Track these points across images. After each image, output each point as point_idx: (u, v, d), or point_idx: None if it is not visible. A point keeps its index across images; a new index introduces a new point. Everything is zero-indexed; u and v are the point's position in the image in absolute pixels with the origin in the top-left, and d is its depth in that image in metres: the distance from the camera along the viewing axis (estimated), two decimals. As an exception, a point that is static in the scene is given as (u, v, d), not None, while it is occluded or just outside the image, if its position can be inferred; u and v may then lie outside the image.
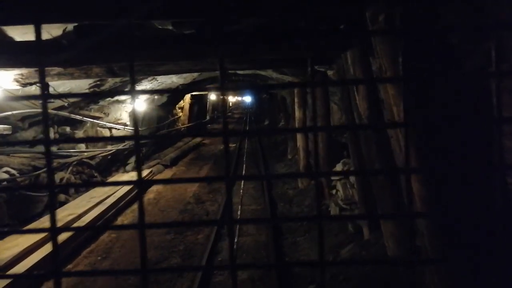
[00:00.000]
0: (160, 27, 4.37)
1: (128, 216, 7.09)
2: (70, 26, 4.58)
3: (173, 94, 12.71)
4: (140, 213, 0.80)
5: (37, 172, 6.73)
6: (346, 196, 5.77)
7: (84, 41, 4.40)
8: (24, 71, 4.82)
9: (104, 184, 7.18)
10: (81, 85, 6.58)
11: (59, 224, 5.74)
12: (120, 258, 5.34)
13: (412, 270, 3.33)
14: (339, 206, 6.11)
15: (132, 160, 10.86)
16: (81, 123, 8.61)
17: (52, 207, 0.80)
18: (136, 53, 4.41)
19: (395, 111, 2.66)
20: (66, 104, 6.99)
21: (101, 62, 4.53)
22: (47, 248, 5.10)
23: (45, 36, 4.64)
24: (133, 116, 1.06)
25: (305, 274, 4.76)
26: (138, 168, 0.83)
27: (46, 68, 4.87)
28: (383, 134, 3.77)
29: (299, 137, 9.38)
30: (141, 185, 0.85)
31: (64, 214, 6.23)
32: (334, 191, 6.69)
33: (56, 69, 4.83)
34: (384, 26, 2.43)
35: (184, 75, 10.01)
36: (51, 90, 5.98)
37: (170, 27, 4.36)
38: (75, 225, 5.90)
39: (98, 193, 7.43)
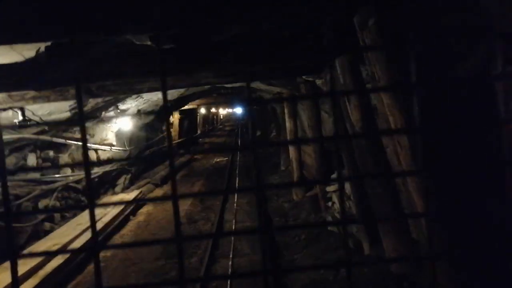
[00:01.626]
0: (138, 43, 4.16)
1: (116, 242, 6.75)
2: (43, 47, 4.35)
3: (161, 112, 12.46)
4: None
5: (19, 201, 6.40)
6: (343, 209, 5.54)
7: (59, 62, 4.17)
8: (-4, 96, 4.56)
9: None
10: (61, 107, 6.31)
11: (43, 256, 5.40)
12: (108, 289, 5.02)
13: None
14: (336, 219, 5.88)
15: (121, 181, 10.54)
16: (65, 146, 8.30)
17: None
18: (114, 71, 4.19)
19: (392, 121, 2.45)
20: (46, 128, 6.70)
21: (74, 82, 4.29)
22: (31, 283, 4.77)
23: (17, 58, 4.40)
24: (83, 147, 0.88)
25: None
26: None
27: (20, 92, 4.61)
28: (378, 145, 3.57)
29: (291, 148, 9.17)
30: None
31: (48, 245, 5.90)
32: (330, 203, 6.46)
33: (31, 93, 4.58)
34: (376, 32, 2.24)
35: (171, 91, 9.79)
36: (29, 114, 5.70)
37: (149, 43, 4.15)
38: (60, 256, 5.57)
39: (84, 218, 7.10)
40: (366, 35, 2.54)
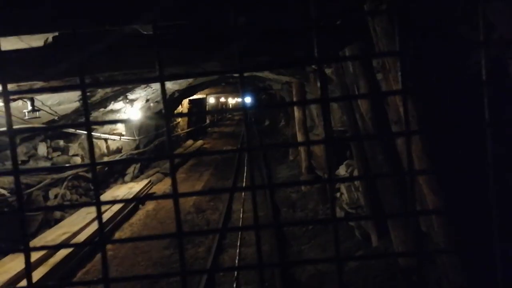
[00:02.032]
0: (145, 32, 4.12)
1: (126, 231, 6.83)
2: (51, 37, 4.34)
3: (170, 101, 12.46)
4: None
5: (30, 190, 6.49)
6: (351, 200, 5.50)
7: (66, 53, 4.16)
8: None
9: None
10: (70, 97, 6.33)
11: (53, 244, 5.49)
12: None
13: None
14: (344, 210, 5.83)
15: (131, 170, 10.62)
16: (75, 135, 8.37)
17: None
18: (121, 60, 4.17)
19: (402, 112, 2.37)
20: (56, 118, 6.74)
21: (85, 73, 4.28)
22: (41, 271, 4.86)
23: (24, 47, 4.41)
24: (88, 143, 0.86)
25: (312, 286, 4.50)
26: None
27: (29, 82, 4.62)
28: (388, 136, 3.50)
29: (300, 138, 9.11)
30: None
31: (58, 233, 5.98)
32: (338, 194, 6.42)
33: (39, 83, 4.59)
34: (387, 20, 2.16)
35: (179, 81, 9.77)
36: (38, 104, 5.73)
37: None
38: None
39: (93, 208, 7.19)
40: (377, 23, 2.46)
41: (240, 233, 6.39)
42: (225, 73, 1.16)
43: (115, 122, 1.11)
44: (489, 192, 0.83)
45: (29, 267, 0.85)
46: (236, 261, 5.31)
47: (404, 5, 2.01)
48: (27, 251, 0.83)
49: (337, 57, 3.65)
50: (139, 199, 1.60)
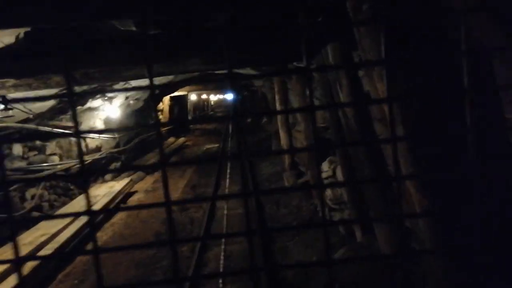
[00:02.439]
0: (122, 28, 4.00)
1: (107, 231, 6.68)
2: (22, 33, 4.17)
3: (150, 98, 12.23)
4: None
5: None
6: (335, 196, 5.52)
7: (39, 48, 4.00)
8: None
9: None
10: (45, 94, 6.11)
11: (31, 247, 5.31)
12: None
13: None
14: (328, 206, 5.86)
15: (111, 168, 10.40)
16: (52, 134, 8.12)
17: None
18: (98, 57, 4.04)
19: (387, 109, 2.37)
20: (31, 116, 6.51)
21: (59, 70, 4.14)
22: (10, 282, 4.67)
23: (-4, 44, 4.22)
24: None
25: (297, 282, 4.50)
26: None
27: (1, 80, 4.43)
28: (370, 132, 3.51)
29: (282, 135, 9.11)
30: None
31: (36, 235, 5.79)
32: (322, 190, 6.45)
33: (12, 80, 4.41)
34: (370, 18, 2.14)
35: (159, 77, 9.59)
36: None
37: (133, 28, 4.00)
38: (49, 246, 5.49)
39: (73, 207, 7.01)
40: (359, 21, 2.44)
41: (225, 228, 6.34)
42: (213, 70, 1.11)
43: (103, 131, 1.10)
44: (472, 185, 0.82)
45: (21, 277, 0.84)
46: (221, 258, 5.27)
47: (387, 13, 2.00)
48: (18, 262, 0.82)
49: (325, 66, 3.63)
50: (129, 208, 1.54)
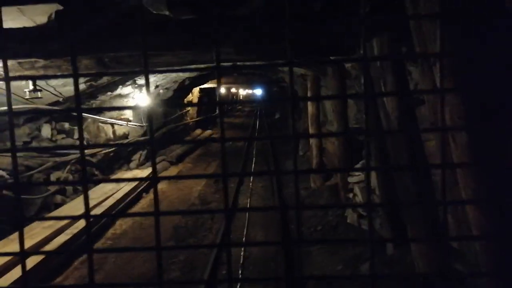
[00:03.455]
0: (154, 12, 3.81)
1: (126, 220, 6.61)
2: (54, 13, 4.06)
3: (181, 88, 12.17)
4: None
5: (30, 172, 6.28)
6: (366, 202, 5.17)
7: (72, 29, 3.87)
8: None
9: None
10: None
11: (51, 230, 5.27)
12: (115, 270, 4.87)
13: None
14: (357, 212, 5.52)
15: (136, 157, 10.40)
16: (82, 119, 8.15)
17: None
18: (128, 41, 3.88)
19: (446, 112, 2.04)
20: (61, 100, 6.50)
21: (89, 52, 4.01)
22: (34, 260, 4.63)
23: (28, 23, 4.14)
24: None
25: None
26: None
27: (30, 60, 4.36)
28: (416, 137, 3.16)
29: (311, 133, 8.75)
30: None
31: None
32: (351, 195, 6.10)
33: (41, 61, 4.32)
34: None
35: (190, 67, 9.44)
36: (42, 84, 5.48)
37: (166, 12, 3.80)
38: (69, 231, 5.44)
39: (96, 194, 6.97)
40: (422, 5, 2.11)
41: (246, 228, 6.12)
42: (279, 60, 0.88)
43: (119, 108, 1.22)
44: None
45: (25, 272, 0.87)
46: (241, 260, 5.06)
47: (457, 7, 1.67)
48: (23, 255, 0.85)
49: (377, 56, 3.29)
50: (126, 215, 1.32)
